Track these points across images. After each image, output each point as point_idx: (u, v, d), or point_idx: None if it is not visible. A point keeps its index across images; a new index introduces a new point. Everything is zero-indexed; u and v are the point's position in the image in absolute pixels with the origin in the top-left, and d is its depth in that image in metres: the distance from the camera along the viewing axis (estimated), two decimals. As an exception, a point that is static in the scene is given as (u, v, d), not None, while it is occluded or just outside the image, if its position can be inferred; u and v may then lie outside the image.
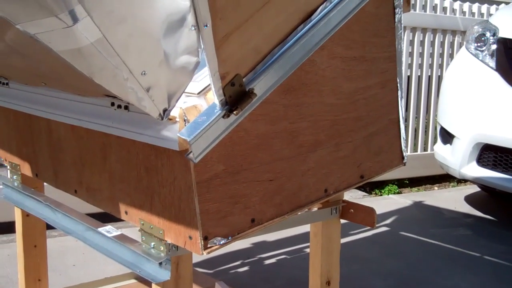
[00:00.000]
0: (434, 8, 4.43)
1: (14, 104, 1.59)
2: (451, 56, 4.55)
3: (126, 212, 1.33)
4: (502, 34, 3.24)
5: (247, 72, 1.09)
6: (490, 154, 3.17)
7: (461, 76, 3.40)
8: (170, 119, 1.05)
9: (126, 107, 1.16)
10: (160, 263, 1.21)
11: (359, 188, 4.09)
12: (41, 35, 0.85)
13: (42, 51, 1.04)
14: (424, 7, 4.37)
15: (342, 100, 1.33)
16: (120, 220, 2.37)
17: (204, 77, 1.14)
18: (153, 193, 1.22)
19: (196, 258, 2.57)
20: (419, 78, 4.42)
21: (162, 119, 1.01)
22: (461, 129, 3.26)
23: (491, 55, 3.23)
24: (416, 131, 4.48)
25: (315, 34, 1.21)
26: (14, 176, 1.85)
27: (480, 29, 3.37)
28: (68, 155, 1.51)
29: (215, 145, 1.08)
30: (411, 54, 4.34)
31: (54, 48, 0.87)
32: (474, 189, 4.21)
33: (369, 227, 2.23)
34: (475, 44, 3.36)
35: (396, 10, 1.40)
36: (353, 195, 3.94)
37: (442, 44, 4.51)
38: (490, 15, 4.60)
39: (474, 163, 3.24)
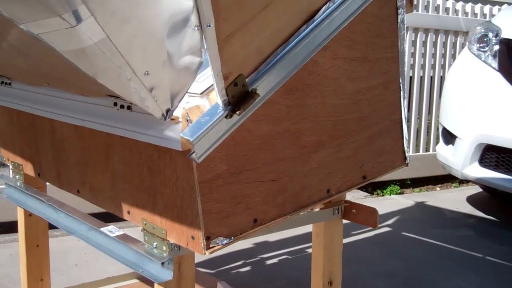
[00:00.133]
0: (437, 8, 4.43)
1: (17, 104, 1.59)
2: (453, 56, 4.55)
3: (128, 212, 1.33)
4: (505, 34, 3.24)
5: (250, 73, 1.09)
6: (492, 154, 3.17)
7: (464, 76, 3.39)
8: (173, 119, 1.05)
9: (129, 107, 1.16)
10: (163, 263, 1.21)
11: (361, 188, 4.08)
12: (44, 35, 0.85)
13: (46, 51, 1.04)
14: (426, 8, 4.37)
15: (344, 101, 1.33)
16: (122, 220, 2.37)
17: (207, 77, 1.14)
18: (156, 193, 1.22)
19: (198, 258, 2.57)
20: (422, 79, 4.42)
21: (165, 119, 1.01)
22: (463, 130, 3.26)
23: (494, 56, 3.23)
24: (418, 131, 4.48)
25: (318, 35, 1.21)
26: (17, 176, 1.86)
27: (483, 30, 3.37)
28: (71, 155, 1.51)
29: (217, 145, 1.08)
30: (413, 55, 4.34)
31: (58, 48, 0.87)
32: (476, 189, 4.20)
33: (371, 228, 2.23)
34: (478, 45, 3.35)
35: (399, 11, 1.40)
36: (355, 196, 3.93)
37: (444, 44, 4.51)
38: (493, 15, 4.59)
39: (476, 164, 3.23)
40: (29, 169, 1.77)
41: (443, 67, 4.54)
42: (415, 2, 4.25)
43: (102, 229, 1.40)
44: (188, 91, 1.04)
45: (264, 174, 1.20)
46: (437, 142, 4.17)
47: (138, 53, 0.89)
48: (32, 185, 1.84)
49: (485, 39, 3.32)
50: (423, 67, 4.41)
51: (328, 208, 1.56)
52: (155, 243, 1.25)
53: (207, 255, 1.52)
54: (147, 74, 0.92)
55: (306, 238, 2.95)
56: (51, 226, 1.76)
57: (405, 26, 1.43)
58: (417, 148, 4.48)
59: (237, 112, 1.06)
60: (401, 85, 1.45)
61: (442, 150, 3.52)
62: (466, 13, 4.62)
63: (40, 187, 1.85)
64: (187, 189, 1.12)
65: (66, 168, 1.55)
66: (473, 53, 3.36)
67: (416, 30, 4.30)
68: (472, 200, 3.96)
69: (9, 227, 2.98)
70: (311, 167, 1.29)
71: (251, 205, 1.18)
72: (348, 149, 1.36)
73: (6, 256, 2.65)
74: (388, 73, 1.42)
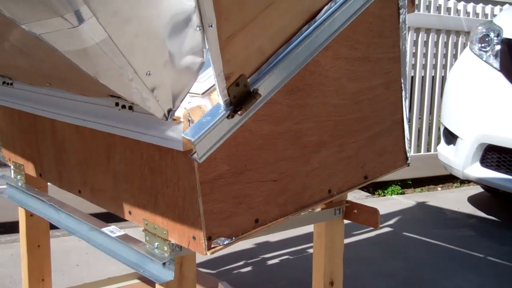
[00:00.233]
0: (438, 8, 4.43)
1: (18, 104, 1.59)
2: (455, 56, 4.55)
3: (130, 212, 1.33)
4: (506, 34, 3.24)
5: (251, 73, 1.09)
6: (493, 154, 3.17)
7: (465, 76, 3.39)
8: (175, 120, 1.05)
9: (130, 107, 1.16)
10: (164, 263, 1.21)
11: (362, 188, 4.08)
12: (46, 36, 0.85)
13: (47, 51, 1.04)
14: (428, 8, 4.37)
15: (346, 101, 1.33)
16: (123, 220, 2.37)
17: (208, 78, 1.14)
18: (157, 193, 1.22)
19: (200, 258, 2.57)
20: (423, 79, 4.41)
21: (167, 119, 1.01)
22: (465, 130, 3.26)
23: (495, 56, 3.23)
24: (419, 131, 4.48)
25: (319, 35, 1.21)
26: (18, 176, 1.86)
27: (484, 30, 3.37)
28: (72, 155, 1.51)
29: (219, 146, 1.08)
30: (415, 55, 4.34)
31: (59, 48, 0.87)
32: (477, 189, 4.20)
33: (372, 228, 2.23)
34: (479, 45, 3.35)
35: (401, 11, 1.40)
36: (356, 196, 3.93)
37: (446, 44, 4.50)
38: (494, 15, 4.59)
39: (478, 164, 3.23)
40: (30, 169, 1.77)
41: (444, 67, 4.54)
42: (416, 2, 4.25)
43: (103, 229, 1.40)
44: (190, 91, 1.04)
45: (265, 174, 1.20)
46: (438, 142, 4.17)
47: (139, 53, 0.89)
48: (33, 185, 1.84)
49: (487, 39, 3.32)
50: (424, 67, 4.41)
51: (330, 208, 1.55)
52: (156, 243, 1.25)
53: (209, 256, 1.52)
54: (149, 74, 0.92)
55: (307, 238, 2.95)
56: (52, 226, 1.76)
57: (407, 26, 1.43)
58: (418, 148, 4.48)
59: (239, 112, 1.06)
60: (402, 85, 1.45)
61: (444, 150, 3.52)
62: (467, 13, 4.62)
63: (41, 188, 1.85)
64: (189, 189, 1.12)
65: (67, 168, 1.55)
66: (475, 53, 3.36)
67: (417, 30, 4.29)
68: (473, 200, 3.95)
69: (10, 228, 2.98)
70: (312, 167, 1.29)
71: (252, 205, 1.18)
72: (349, 149, 1.36)
73: (7, 257, 2.65)
74: (390, 73, 1.42)
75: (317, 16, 1.20)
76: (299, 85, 1.22)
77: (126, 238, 1.34)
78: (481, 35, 3.36)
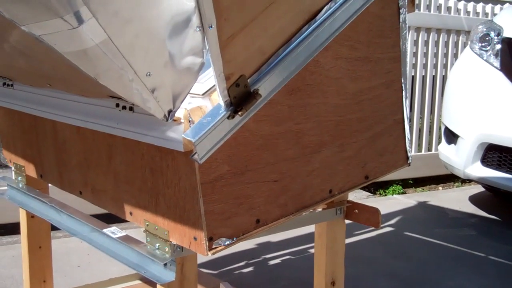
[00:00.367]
0: (439, 8, 4.43)
1: (19, 105, 1.59)
2: (455, 56, 4.55)
3: (131, 213, 1.33)
4: (507, 34, 3.23)
5: (252, 73, 1.09)
6: (494, 154, 3.16)
7: (466, 76, 3.39)
8: (175, 120, 1.05)
9: (131, 108, 1.16)
10: (165, 264, 1.21)
11: (363, 188, 4.08)
12: (46, 37, 0.85)
13: (47, 52, 1.04)
14: (428, 7, 4.36)
15: (346, 101, 1.33)
16: (125, 221, 2.37)
17: (209, 78, 1.14)
18: (158, 194, 1.22)
19: (201, 258, 2.57)
20: (424, 78, 4.41)
21: (167, 120, 1.01)
22: (466, 129, 3.25)
23: (496, 55, 3.23)
24: (420, 131, 4.47)
25: (319, 35, 1.21)
26: (19, 178, 1.86)
27: (485, 29, 3.37)
28: (73, 156, 1.51)
29: (220, 146, 1.08)
30: (415, 54, 4.34)
31: (59, 49, 0.87)
32: (478, 189, 4.20)
33: (373, 228, 2.23)
34: (480, 44, 3.35)
35: (401, 11, 1.40)
36: (357, 196, 3.93)
37: (446, 44, 4.50)
38: (495, 14, 4.59)
39: (479, 163, 3.23)
40: (31, 171, 1.77)
41: (445, 66, 4.54)
42: (417, 2, 4.25)
43: (105, 230, 1.40)
44: (190, 92, 1.04)
45: (266, 174, 1.20)
46: (439, 141, 4.17)
47: (140, 54, 0.89)
48: (34, 187, 1.84)
49: (487, 38, 3.32)
50: (425, 66, 4.40)
51: (331, 208, 1.55)
52: (157, 244, 1.25)
53: (210, 256, 1.52)
54: (149, 75, 0.92)
55: (308, 238, 2.95)
56: (54, 228, 1.76)
57: (407, 25, 1.43)
58: (419, 148, 4.48)
59: (239, 113, 1.06)
60: (403, 85, 1.45)
61: (444, 150, 3.52)
62: (468, 12, 4.61)
63: (42, 189, 1.85)
64: (190, 190, 1.12)
65: (68, 169, 1.55)
66: (475, 52, 3.36)
67: (418, 30, 4.29)
68: (474, 199, 3.95)
69: (12, 229, 2.98)
70: (313, 167, 1.29)
71: (253, 206, 1.18)
72: (350, 149, 1.36)
73: (9, 258, 2.65)
74: (390, 73, 1.42)
75: (317, 16, 1.20)
76: (300, 85, 1.22)
77: (127, 239, 1.34)
78: (482, 34, 3.36)
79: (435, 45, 4.43)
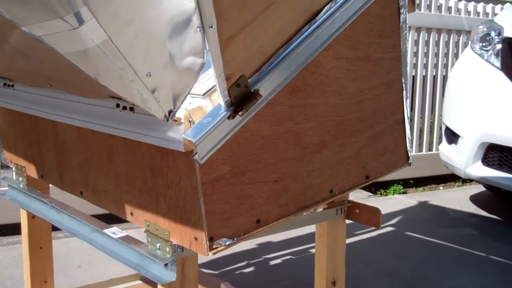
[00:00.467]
0: (439, 8, 4.42)
1: (19, 106, 1.59)
2: (456, 55, 4.54)
3: (131, 214, 1.33)
4: (507, 33, 3.23)
5: (252, 73, 1.09)
6: (495, 153, 3.16)
7: (466, 75, 3.39)
8: (176, 121, 1.05)
9: (131, 109, 1.16)
10: (166, 264, 1.21)
11: (364, 188, 4.08)
12: (46, 37, 0.85)
13: (47, 53, 1.05)
14: (429, 7, 4.36)
15: (347, 101, 1.33)
16: (125, 221, 2.37)
17: (209, 78, 1.14)
18: (159, 195, 1.22)
19: (202, 259, 2.57)
20: (424, 78, 4.41)
21: (168, 120, 1.01)
22: (466, 129, 3.25)
23: (496, 55, 3.22)
24: (421, 131, 4.47)
25: (320, 35, 1.21)
26: (20, 178, 1.86)
27: (485, 29, 3.37)
28: (73, 156, 1.51)
29: (220, 146, 1.08)
30: (416, 54, 4.34)
31: (60, 50, 0.87)
32: (479, 189, 4.20)
33: (374, 228, 2.23)
34: (480, 44, 3.35)
35: (401, 11, 1.40)
36: (358, 195, 3.93)
37: (447, 43, 4.50)
38: (495, 14, 4.59)
39: (479, 163, 3.23)
40: (32, 171, 1.77)
41: (445, 66, 4.54)
42: (417, 2, 4.25)
43: (105, 230, 1.40)
44: (191, 92, 1.04)
45: (267, 174, 1.20)
46: (440, 141, 4.17)
47: (140, 54, 0.89)
48: (35, 187, 1.84)
49: (488, 38, 3.32)
50: (425, 66, 4.40)
51: (331, 208, 1.55)
52: (158, 244, 1.25)
53: (211, 256, 1.52)
54: (149, 75, 0.92)
55: (309, 238, 2.95)
56: (54, 228, 1.77)
57: (407, 25, 1.43)
58: (420, 148, 4.48)
59: (240, 113, 1.06)
60: (403, 85, 1.45)
61: (445, 150, 3.52)
62: (468, 12, 4.61)
63: (43, 189, 1.85)
64: (190, 190, 1.12)
65: (69, 169, 1.55)
66: (476, 52, 3.36)
67: (418, 30, 4.29)
68: (475, 199, 3.95)
69: (13, 229, 2.98)
70: (314, 167, 1.29)
71: (254, 206, 1.18)
72: (350, 149, 1.36)
73: (10, 258, 2.65)
74: (390, 73, 1.42)
75: (317, 16, 1.20)
76: (300, 85, 1.22)
77: (128, 239, 1.34)
78: (482, 34, 3.36)
79: (436, 45, 4.43)
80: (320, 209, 1.56)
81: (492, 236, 3.15)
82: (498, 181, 3.15)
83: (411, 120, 4.34)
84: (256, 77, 1.10)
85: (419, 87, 4.36)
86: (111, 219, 1.90)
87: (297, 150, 1.24)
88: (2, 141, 1.91)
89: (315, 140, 1.28)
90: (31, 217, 1.88)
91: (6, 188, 1.91)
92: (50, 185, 1.75)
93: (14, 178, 1.89)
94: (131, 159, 1.28)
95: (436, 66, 4.47)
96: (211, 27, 0.94)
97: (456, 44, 4.56)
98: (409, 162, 1.52)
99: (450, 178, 4.51)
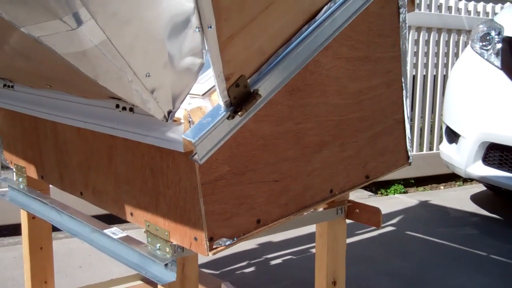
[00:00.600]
0: (439, 7, 4.42)
1: (19, 106, 1.59)
2: (456, 55, 4.54)
3: (131, 214, 1.33)
4: (507, 33, 3.23)
5: (251, 73, 1.09)
6: (496, 153, 3.16)
7: (467, 75, 3.39)
8: (175, 121, 1.05)
9: (131, 109, 1.16)
10: (166, 265, 1.21)
11: (364, 188, 4.08)
12: (45, 38, 0.85)
13: (47, 53, 1.04)
14: (429, 7, 4.36)
15: (347, 100, 1.33)
16: (125, 221, 2.37)
17: (208, 79, 1.14)
18: (159, 195, 1.22)
19: (202, 259, 2.57)
20: (425, 78, 4.41)
21: (167, 120, 1.01)
22: (467, 128, 3.25)
23: (496, 54, 3.22)
24: (421, 130, 4.47)
25: (319, 35, 1.21)
26: (20, 179, 1.86)
27: (485, 28, 3.37)
28: (73, 157, 1.51)
29: (220, 146, 1.08)
30: (416, 54, 4.34)
31: (59, 50, 0.87)
32: (480, 188, 4.20)
33: (374, 227, 2.23)
34: (480, 43, 3.35)
35: (401, 10, 1.40)
36: (358, 195, 3.93)
37: (447, 43, 4.50)
38: (495, 14, 4.58)
39: (480, 162, 3.23)
40: (32, 172, 1.77)
41: (446, 66, 4.54)
42: (417, 1, 4.24)
43: (106, 231, 1.40)
44: (190, 92, 1.04)
45: (267, 174, 1.19)
46: (440, 141, 4.17)
47: (139, 55, 0.89)
48: (35, 188, 1.84)
49: (488, 38, 3.32)
50: (426, 66, 4.40)
51: (332, 208, 1.55)
52: (158, 245, 1.25)
53: (211, 256, 1.52)
54: (149, 76, 0.92)
55: (309, 238, 2.95)
56: (55, 229, 1.77)
57: (407, 25, 1.43)
58: (420, 147, 4.48)
59: (239, 113, 1.06)
60: (403, 85, 1.45)
61: (446, 149, 3.52)
62: (468, 12, 4.61)
63: (43, 190, 1.85)
64: (190, 190, 1.12)
65: (69, 170, 1.55)
66: (476, 52, 3.35)
67: (418, 29, 4.29)
68: (476, 198, 3.95)
69: (13, 230, 2.98)
70: (314, 167, 1.29)
71: (254, 206, 1.18)
72: (351, 149, 1.36)
73: (10, 259, 2.65)
74: (390, 73, 1.42)
75: (317, 16, 1.20)
76: (300, 85, 1.22)
77: (128, 240, 1.34)
78: (482, 33, 3.36)
79: (436, 45, 4.42)
80: (320, 209, 1.55)
81: (492, 236, 3.15)
82: (499, 180, 3.15)
83: (412, 120, 4.34)
84: (256, 77, 1.10)
85: (420, 87, 4.36)
86: (111, 220, 1.90)
87: (297, 150, 1.24)
88: (2, 141, 1.91)
89: (315, 140, 1.28)
90: (32, 217, 1.88)
91: (6, 189, 1.91)
92: (50, 185, 1.75)
93: (14, 178, 1.89)
94: (131, 160, 1.28)
95: (436, 65, 4.47)
96: (210, 27, 0.93)
97: (456, 44, 4.55)
98: (409, 161, 1.52)
99: (450, 178, 4.51)
